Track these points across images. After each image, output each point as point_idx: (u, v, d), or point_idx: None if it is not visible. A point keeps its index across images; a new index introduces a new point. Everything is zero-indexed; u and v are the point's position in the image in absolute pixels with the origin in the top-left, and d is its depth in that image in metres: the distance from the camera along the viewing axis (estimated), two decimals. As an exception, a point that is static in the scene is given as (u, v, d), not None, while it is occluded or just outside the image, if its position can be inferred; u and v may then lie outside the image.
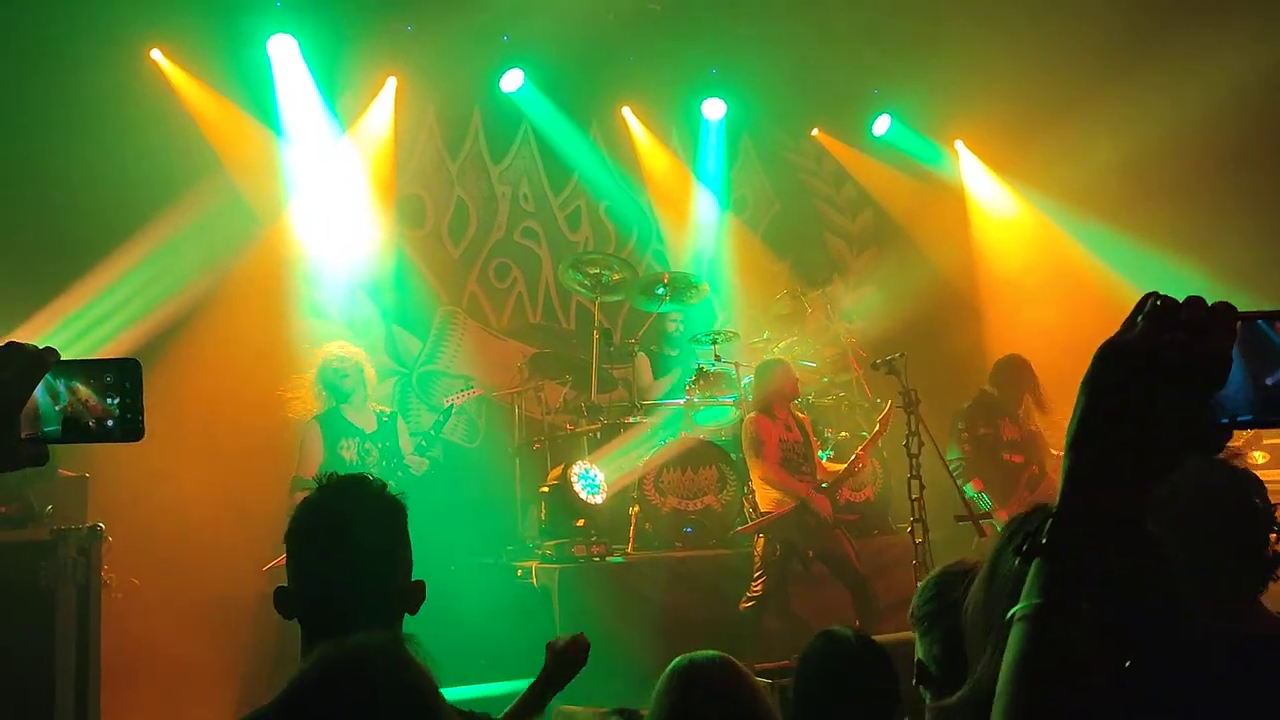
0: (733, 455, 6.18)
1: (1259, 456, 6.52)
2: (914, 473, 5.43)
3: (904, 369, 5.63)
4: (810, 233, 9.05)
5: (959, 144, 9.11)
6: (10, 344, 1.14)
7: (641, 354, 7.02)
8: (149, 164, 6.06)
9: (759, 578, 5.57)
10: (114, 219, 5.97)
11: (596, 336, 6.69)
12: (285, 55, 6.86)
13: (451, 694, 1.41)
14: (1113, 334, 0.86)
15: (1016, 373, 6.27)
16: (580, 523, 5.86)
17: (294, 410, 5.68)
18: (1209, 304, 0.84)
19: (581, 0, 7.10)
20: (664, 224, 8.44)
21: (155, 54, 6.46)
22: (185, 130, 6.37)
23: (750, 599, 5.55)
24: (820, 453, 6.18)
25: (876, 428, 5.91)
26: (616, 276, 6.91)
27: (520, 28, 7.33)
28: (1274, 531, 1.81)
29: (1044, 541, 0.84)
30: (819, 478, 5.83)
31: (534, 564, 5.73)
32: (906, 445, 5.48)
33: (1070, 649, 0.80)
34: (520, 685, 2.56)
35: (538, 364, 6.95)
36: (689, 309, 7.20)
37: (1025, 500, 5.82)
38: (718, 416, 6.58)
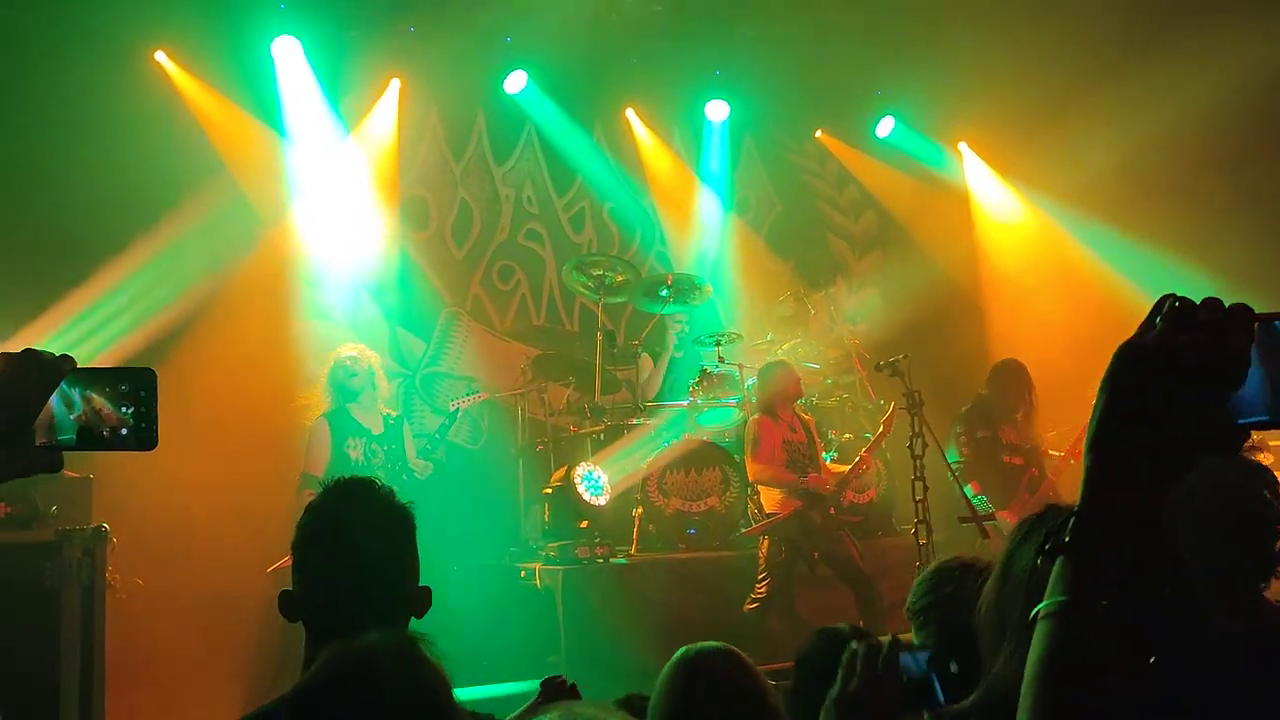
0: (736, 457, 6.18)
1: (1265, 459, 6.49)
2: (918, 474, 5.44)
3: (907, 370, 5.63)
4: (813, 234, 9.04)
5: (963, 145, 9.09)
6: (27, 351, 1.14)
7: (645, 354, 7.03)
8: (153, 166, 6.06)
9: (763, 579, 5.57)
10: (117, 221, 5.97)
11: (600, 338, 6.69)
12: (289, 57, 6.86)
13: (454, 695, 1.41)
14: (1130, 335, 0.86)
15: (1014, 376, 6.26)
16: (584, 524, 5.86)
17: (309, 419, 5.71)
18: (1226, 305, 0.84)
19: (585, 2, 7.10)
20: (667, 225, 8.43)
21: (159, 56, 6.46)
22: (189, 132, 6.37)
23: (754, 600, 5.55)
24: (824, 454, 6.18)
25: (880, 429, 5.92)
26: (620, 278, 6.91)
27: (523, 29, 7.33)
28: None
29: (1067, 540, 0.84)
30: (824, 478, 5.83)
31: (537, 565, 5.74)
32: (910, 447, 5.49)
33: (1095, 646, 0.80)
34: (523, 687, 2.55)
35: (541, 366, 6.94)
36: (692, 310, 7.20)
37: (1026, 502, 5.81)
38: (721, 418, 6.58)
